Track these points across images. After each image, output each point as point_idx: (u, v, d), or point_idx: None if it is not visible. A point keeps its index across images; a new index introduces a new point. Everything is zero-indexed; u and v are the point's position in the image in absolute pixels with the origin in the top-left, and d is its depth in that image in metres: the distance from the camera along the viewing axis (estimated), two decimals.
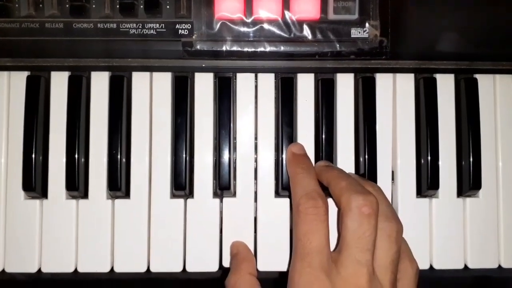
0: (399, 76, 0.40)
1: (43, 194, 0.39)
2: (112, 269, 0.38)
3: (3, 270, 0.38)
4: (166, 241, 0.38)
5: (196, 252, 0.38)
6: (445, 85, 0.40)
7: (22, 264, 0.38)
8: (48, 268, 0.38)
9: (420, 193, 0.40)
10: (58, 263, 0.38)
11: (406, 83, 0.40)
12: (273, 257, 0.38)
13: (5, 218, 0.38)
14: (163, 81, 0.39)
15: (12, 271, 0.38)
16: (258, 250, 0.38)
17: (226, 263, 0.38)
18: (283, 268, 0.38)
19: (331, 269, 0.31)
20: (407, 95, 0.40)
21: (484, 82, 0.40)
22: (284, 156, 0.39)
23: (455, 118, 0.40)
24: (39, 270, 0.38)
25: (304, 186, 0.34)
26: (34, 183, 0.38)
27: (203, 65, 0.39)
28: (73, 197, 0.39)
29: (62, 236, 0.38)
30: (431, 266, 0.39)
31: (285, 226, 0.39)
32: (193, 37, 0.38)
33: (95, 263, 0.38)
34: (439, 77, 0.40)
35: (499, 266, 0.40)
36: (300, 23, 0.38)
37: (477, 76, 0.40)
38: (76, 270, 0.38)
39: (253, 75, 0.40)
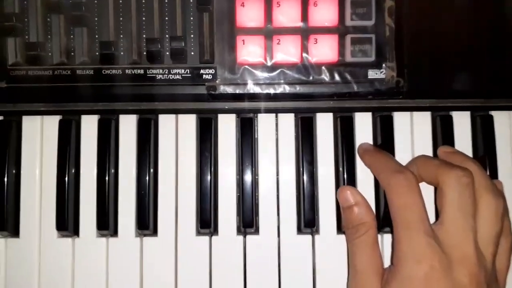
0: (416, 114, 0.41)
1: (75, 232, 0.41)
2: None
3: None
4: (192, 279, 0.40)
5: None
6: (462, 122, 0.41)
7: None
8: None
9: None
10: None
11: (423, 121, 0.41)
12: None
13: (39, 256, 0.40)
14: (188, 123, 0.41)
15: None
16: (281, 287, 0.39)
17: None
18: None
19: (436, 237, 0.32)
20: (425, 133, 0.41)
21: (500, 118, 0.41)
22: (305, 191, 0.40)
23: (472, 155, 0.41)
24: None
25: (389, 165, 0.36)
26: (67, 222, 0.40)
27: (226, 107, 0.40)
28: (103, 235, 0.40)
29: (93, 273, 0.40)
30: None
31: (308, 263, 0.40)
32: (217, 81, 0.39)
33: None
34: (455, 115, 0.41)
35: None
36: (318, 66, 0.39)
37: (492, 113, 0.41)
38: None
39: (273, 115, 0.42)
